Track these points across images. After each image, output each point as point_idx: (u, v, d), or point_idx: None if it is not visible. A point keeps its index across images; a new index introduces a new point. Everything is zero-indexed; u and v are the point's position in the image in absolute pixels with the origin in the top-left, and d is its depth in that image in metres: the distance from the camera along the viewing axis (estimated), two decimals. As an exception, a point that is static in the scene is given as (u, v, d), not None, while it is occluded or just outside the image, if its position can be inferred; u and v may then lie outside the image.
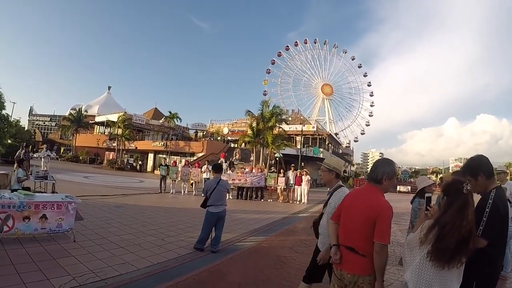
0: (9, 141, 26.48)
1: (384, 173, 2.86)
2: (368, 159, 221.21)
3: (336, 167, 3.91)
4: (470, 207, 2.40)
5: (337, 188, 3.85)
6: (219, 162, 19.83)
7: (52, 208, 6.33)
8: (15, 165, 13.63)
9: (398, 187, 44.76)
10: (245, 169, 21.08)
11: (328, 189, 4.07)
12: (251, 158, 32.04)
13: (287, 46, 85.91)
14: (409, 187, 46.10)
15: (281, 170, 20.73)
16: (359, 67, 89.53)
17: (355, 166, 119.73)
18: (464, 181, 2.52)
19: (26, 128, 64.63)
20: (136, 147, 52.06)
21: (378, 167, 2.93)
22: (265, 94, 79.68)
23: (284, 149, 35.40)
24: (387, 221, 2.68)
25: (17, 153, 16.14)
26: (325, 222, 3.71)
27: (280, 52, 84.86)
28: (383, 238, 2.63)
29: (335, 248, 2.94)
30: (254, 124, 31.36)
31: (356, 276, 2.75)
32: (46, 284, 4.38)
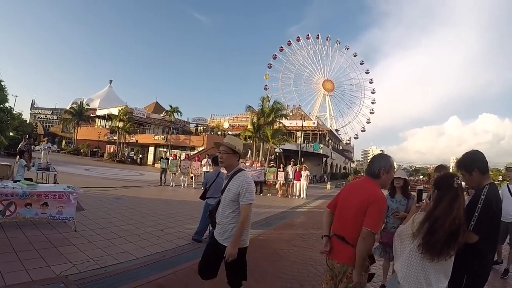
0: (12, 134, 26.53)
1: (381, 167, 2.88)
2: (368, 156, 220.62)
3: (240, 149, 3.56)
4: (460, 201, 2.44)
5: (237, 171, 3.51)
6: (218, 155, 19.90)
7: (54, 198, 6.45)
8: (17, 157, 13.73)
9: (397, 184, 44.52)
10: (245, 163, 21.16)
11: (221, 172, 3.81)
12: (248, 155, 32.11)
13: (289, 41, 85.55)
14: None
15: (281, 165, 20.81)
16: (361, 63, 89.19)
17: (355, 163, 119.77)
18: (455, 176, 2.59)
19: (28, 121, 64.71)
20: (137, 141, 52.12)
21: (375, 162, 2.96)
22: (266, 89, 79.64)
23: (284, 144, 35.48)
24: (379, 210, 2.70)
25: (20, 145, 16.23)
26: (221, 210, 3.48)
27: (282, 47, 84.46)
28: (372, 225, 2.63)
29: (326, 239, 2.97)
30: (255, 119, 31.45)
31: (345, 265, 2.75)
32: (47, 270, 4.49)
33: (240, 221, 3.29)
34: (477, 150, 3.01)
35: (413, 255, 2.45)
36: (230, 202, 3.39)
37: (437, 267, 2.39)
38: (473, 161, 2.95)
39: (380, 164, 2.91)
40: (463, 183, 2.79)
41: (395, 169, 3.21)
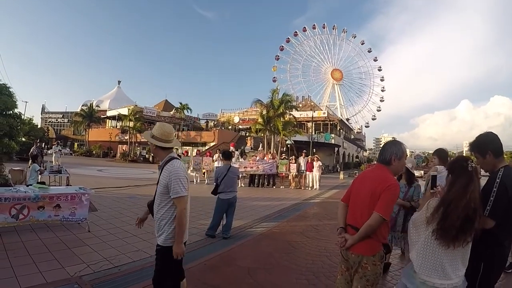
0: (23, 139, 26.83)
1: (392, 153, 2.81)
2: (380, 144, 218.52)
3: (158, 136, 3.21)
4: (475, 184, 2.35)
5: (168, 161, 3.19)
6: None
7: (66, 199, 6.49)
8: (30, 161, 13.89)
9: (411, 172, 43.76)
10: (256, 156, 21.11)
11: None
12: (260, 148, 32.05)
13: (296, 32, 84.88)
14: (422, 172, 45.52)
15: (293, 157, 20.71)
16: (369, 51, 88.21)
17: (367, 151, 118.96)
18: (468, 158, 2.50)
19: (39, 126, 65.53)
20: (148, 139, 52.41)
21: (387, 148, 2.89)
22: (274, 81, 79.44)
23: (295, 136, 35.38)
24: (392, 197, 2.64)
25: (31, 150, 16.42)
26: (155, 204, 3.25)
27: (288, 38, 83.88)
28: (383, 210, 2.57)
29: (341, 230, 2.90)
30: (264, 112, 31.40)
31: (360, 256, 2.69)
32: (61, 272, 4.51)
33: (177, 218, 3.04)
34: (491, 132, 2.89)
35: (428, 242, 2.38)
36: (160, 195, 3.13)
37: (453, 254, 2.33)
38: (486, 144, 2.83)
39: (392, 151, 2.84)
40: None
41: (407, 156, 3.14)
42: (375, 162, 3.51)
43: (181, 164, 3.18)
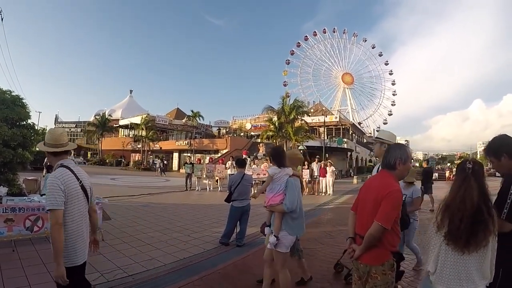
0: (37, 149, 27.08)
1: (397, 157, 2.73)
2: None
3: (49, 142, 2.91)
4: (469, 183, 2.29)
5: (56, 168, 2.87)
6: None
7: (80, 209, 6.49)
8: (44, 170, 14.00)
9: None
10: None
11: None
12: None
13: (306, 36, 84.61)
14: (436, 174, 45.07)
15: (305, 162, 20.62)
16: (380, 55, 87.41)
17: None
18: (468, 160, 2.47)
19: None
20: (161, 147, 52.75)
21: (391, 152, 2.82)
22: (285, 85, 79.29)
23: (307, 141, 35.23)
24: (393, 204, 2.57)
25: (46, 160, 16.54)
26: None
27: (299, 43, 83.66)
28: (383, 219, 2.52)
29: (350, 240, 2.88)
30: (275, 119, 31.39)
31: (368, 266, 2.66)
32: (75, 281, 4.50)
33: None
34: (505, 135, 2.88)
35: (443, 249, 2.32)
36: None
37: (468, 261, 2.24)
38: (501, 146, 2.80)
39: (396, 154, 2.76)
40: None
41: (412, 160, 3.07)
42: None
43: (63, 172, 2.78)
